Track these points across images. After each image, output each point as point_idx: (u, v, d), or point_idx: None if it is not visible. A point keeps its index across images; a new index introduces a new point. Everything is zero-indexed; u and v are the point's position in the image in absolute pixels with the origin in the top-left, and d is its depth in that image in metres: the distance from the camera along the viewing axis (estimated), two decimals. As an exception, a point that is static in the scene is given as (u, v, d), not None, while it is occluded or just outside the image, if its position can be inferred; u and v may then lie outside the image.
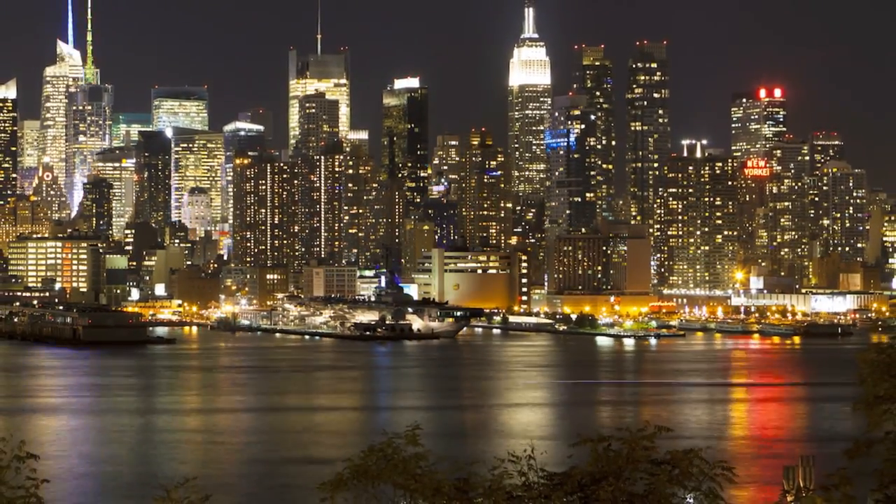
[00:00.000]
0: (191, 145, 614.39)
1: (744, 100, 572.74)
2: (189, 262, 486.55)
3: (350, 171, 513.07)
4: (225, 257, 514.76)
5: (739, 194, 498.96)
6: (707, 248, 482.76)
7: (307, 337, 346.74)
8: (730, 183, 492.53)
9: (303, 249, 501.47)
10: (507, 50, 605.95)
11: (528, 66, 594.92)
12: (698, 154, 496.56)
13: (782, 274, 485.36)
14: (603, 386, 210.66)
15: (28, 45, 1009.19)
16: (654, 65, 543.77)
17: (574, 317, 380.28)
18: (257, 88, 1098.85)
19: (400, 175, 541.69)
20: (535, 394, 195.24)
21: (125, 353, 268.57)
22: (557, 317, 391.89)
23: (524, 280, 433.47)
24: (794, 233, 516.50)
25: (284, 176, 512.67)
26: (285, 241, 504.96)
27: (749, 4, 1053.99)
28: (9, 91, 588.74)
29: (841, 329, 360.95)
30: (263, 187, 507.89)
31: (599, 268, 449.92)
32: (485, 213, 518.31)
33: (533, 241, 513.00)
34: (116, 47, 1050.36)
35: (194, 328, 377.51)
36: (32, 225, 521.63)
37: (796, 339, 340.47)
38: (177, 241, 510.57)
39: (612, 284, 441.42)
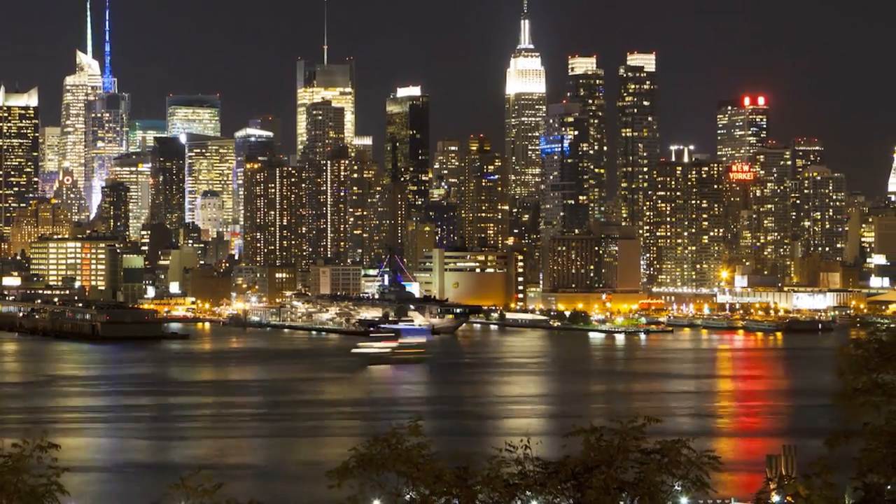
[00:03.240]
0: (204, 151, 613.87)
1: (729, 107, 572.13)
2: (202, 262, 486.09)
3: (355, 176, 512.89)
4: (236, 257, 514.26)
5: (725, 197, 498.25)
6: (694, 248, 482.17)
7: (314, 333, 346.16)
8: (715, 186, 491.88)
9: (310, 249, 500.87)
10: (504, 60, 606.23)
11: (524, 76, 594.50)
12: (686, 159, 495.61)
13: (765, 273, 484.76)
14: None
15: (49, 55, 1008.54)
16: (643, 74, 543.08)
17: (568, 314, 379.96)
18: (267, 97, 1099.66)
19: (402, 179, 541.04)
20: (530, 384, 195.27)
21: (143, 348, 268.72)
22: (552, 313, 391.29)
23: (520, 279, 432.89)
24: (776, 234, 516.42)
25: (292, 180, 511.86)
26: (293, 242, 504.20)
27: (734, 17, 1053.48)
28: (31, 99, 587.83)
29: (821, 325, 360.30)
30: (273, 190, 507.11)
31: (592, 267, 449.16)
32: (483, 214, 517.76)
33: (529, 241, 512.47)
34: (133, 58, 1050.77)
35: (207, 324, 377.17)
36: (53, 226, 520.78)
37: (779, 335, 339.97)
38: (190, 241, 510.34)
39: (604, 283, 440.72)
